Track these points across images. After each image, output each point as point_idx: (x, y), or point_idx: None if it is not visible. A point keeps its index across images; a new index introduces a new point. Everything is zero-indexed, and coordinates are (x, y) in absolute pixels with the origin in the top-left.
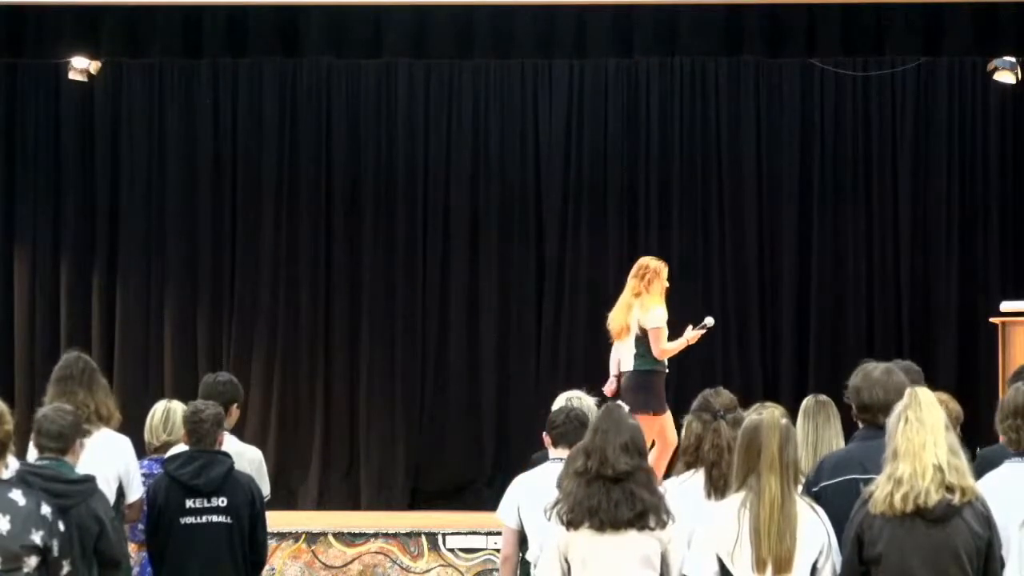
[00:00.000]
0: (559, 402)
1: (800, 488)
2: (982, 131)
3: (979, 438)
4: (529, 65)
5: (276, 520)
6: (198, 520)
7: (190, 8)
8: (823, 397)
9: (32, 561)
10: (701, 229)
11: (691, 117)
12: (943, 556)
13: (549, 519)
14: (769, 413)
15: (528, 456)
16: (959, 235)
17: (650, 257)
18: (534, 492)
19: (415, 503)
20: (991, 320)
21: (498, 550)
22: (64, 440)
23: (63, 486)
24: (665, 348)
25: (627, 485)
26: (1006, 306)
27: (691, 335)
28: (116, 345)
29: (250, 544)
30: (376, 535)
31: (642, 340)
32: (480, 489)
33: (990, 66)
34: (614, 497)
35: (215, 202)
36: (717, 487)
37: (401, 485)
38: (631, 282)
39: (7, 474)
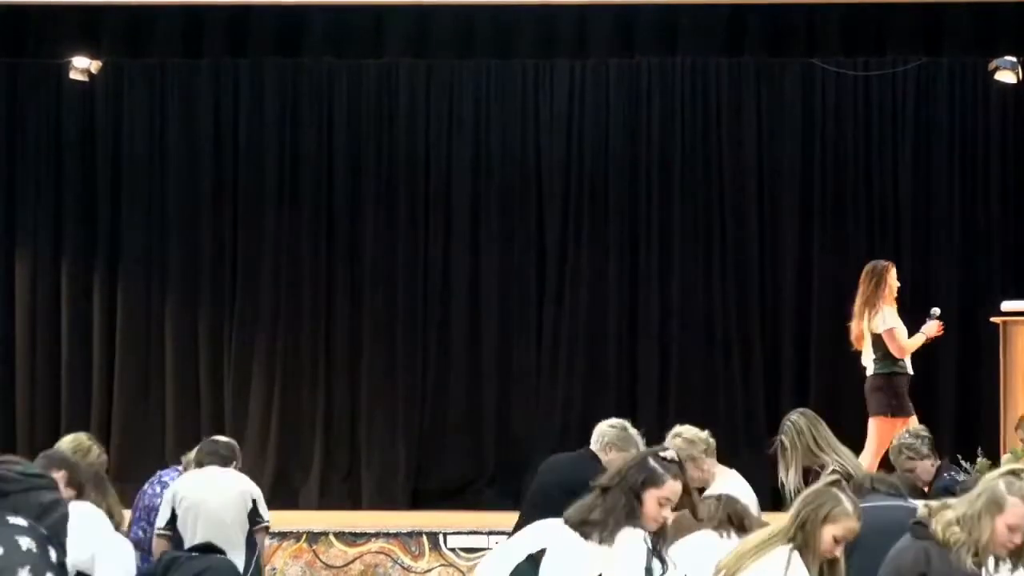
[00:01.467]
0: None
1: None
2: (983, 131)
3: (980, 436)
4: (530, 65)
5: (278, 520)
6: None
7: (191, 8)
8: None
9: None
10: (703, 227)
11: (692, 117)
12: None
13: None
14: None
15: (529, 457)
16: (960, 235)
17: (876, 260)
18: None
19: (416, 503)
20: (992, 320)
21: None
22: None
23: None
24: (904, 346)
25: None
26: (1007, 306)
27: (928, 328)
28: (117, 348)
29: None
30: (377, 535)
31: (879, 344)
32: (481, 489)
33: (991, 66)
34: None
35: (216, 203)
36: None
37: (402, 485)
38: (860, 287)
39: None
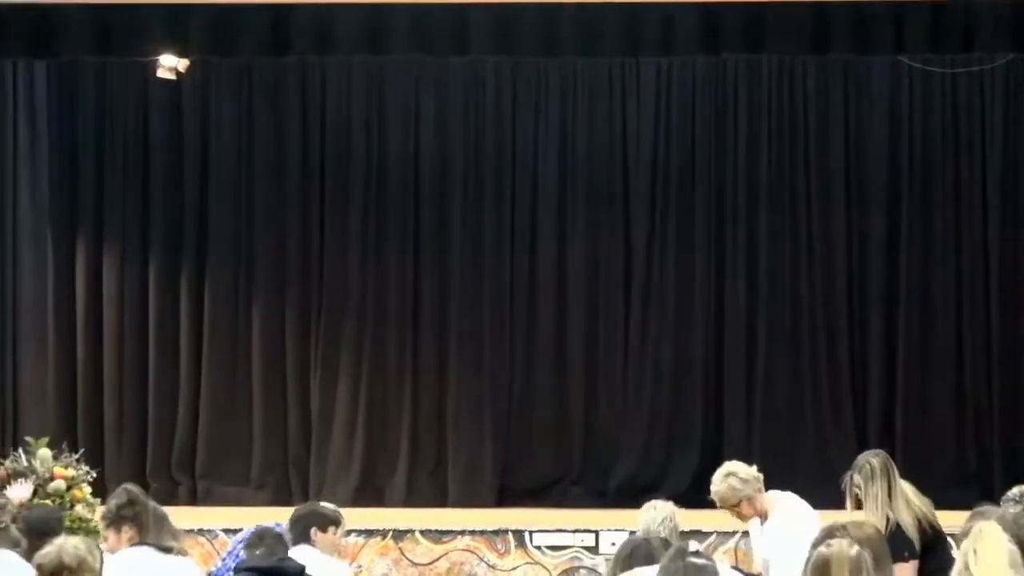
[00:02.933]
0: (645, 515)
1: None
2: None
3: None
4: (616, 63)
5: (364, 517)
6: None
7: (277, 7)
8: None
9: None
10: (789, 226)
11: (779, 115)
12: None
13: None
14: (838, 545)
15: (614, 454)
16: None
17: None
18: None
19: (502, 500)
20: None
21: (586, 547)
22: None
23: None
24: None
25: None
26: None
27: None
28: (204, 342)
29: None
30: (463, 532)
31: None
32: (567, 487)
33: None
34: None
35: (303, 199)
36: None
37: (488, 482)
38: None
39: None
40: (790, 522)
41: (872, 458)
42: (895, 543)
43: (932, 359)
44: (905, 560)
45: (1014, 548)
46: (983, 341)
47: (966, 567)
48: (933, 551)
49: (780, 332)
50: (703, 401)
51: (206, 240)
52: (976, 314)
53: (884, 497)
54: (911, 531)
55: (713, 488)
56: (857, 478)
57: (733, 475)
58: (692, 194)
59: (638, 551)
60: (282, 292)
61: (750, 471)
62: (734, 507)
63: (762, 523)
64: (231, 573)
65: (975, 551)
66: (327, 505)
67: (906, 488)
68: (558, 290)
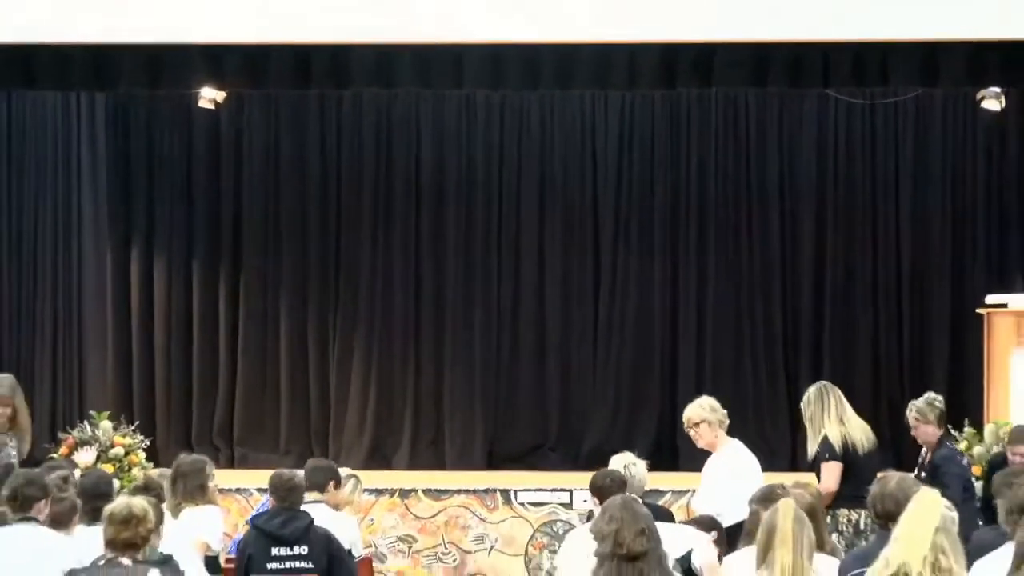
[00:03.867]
0: (615, 463)
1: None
2: (971, 152)
3: (968, 411)
4: (588, 96)
5: (375, 479)
6: (282, 566)
7: (301, 47)
8: (823, 384)
9: None
10: (732, 234)
11: (725, 140)
12: None
13: None
14: (785, 502)
15: (585, 426)
16: (951, 241)
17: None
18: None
19: (491, 464)
20: (978, 311)
21: (562, 504)
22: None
23: None
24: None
25: (639, 564)
26: (990, 299)
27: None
28: (239, 332)
29: None
30: (458, 491)
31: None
32: (546, 453)
33: (978, 95)
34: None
35: (322, 211)
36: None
37: (479, 449)
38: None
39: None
40: (732, 460)
41: (811, 388)
42: (821, 449)
43: (855, 344)
44: (827, 460)
45: (951, 515)
46: (896, 328)
47: (904, 525)
48: (849, 472)
49: (726, 323)
50: (659, 382)
51: (240, 246)
52: (889, 307)
53: (818, 417)
54: (836, 442)
55: (687, 408)
56: (801, 407)
57: (704, 402)
58: (651, 207)
59: (614, 481)
60: (304, 291)
61: (718, 407)
62: (695, 425)
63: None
64: (250, 523)
65: (910, 512)
66: (340, 468)
67: (848, 414)
68: (538, 289)
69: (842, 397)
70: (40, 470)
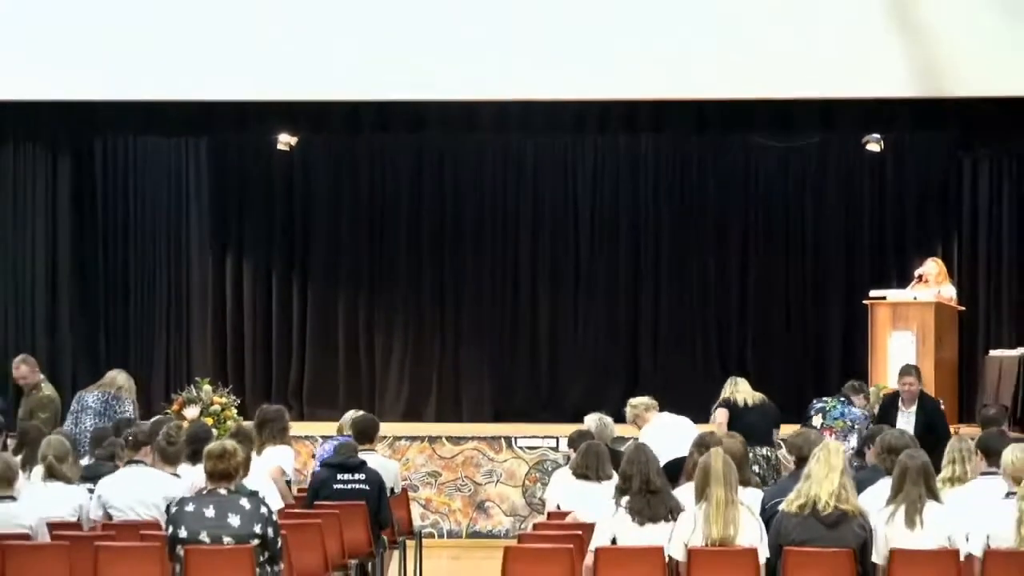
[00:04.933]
0: (589, 421)
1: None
2: (859, 183)
3: (857, 379)
4: (568, 141)
5: (409, 429)
6: (346, 487)
7: (353, 103)
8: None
9: (254, 542)
10: (680, 251)
11: (674, 177)
12: (835, 544)
13: (615, 513)
14: (716, 449)
15: (568, 388)
16: (845, 252)
17: None
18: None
19: (497, 418)
20: (864, 303)
21: (550, 448)
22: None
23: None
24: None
25: (660, 496)
26: (873, 294)
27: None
28: (307, 320)
29: (377, 510)
30: (472, 438)
31: None
32: (539, 410)
33: (863, 140)
34: (653, 502)
35: (369, 229)
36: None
37: (488, 406)
38: None
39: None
40: (647, 434)
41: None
42: (717, 403)
43: (772, 332)
44: (717, 408)
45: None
46: (802, 320)
47: (815, 467)
48: (733, 417)
49: (674, 318)
50: (623, 359)
51: (308, 254)
52: (798, 304)
53: (724, 391)
54: (724, 398)
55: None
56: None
57: (629, 405)
58: (617, 230)
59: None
60: (356, 289)
61: (640, 401)
62: (633, 422)
63: None
64: (320, 465)
65: (818, 457)
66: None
67: (740, 386)
68: (532, 289)
69: (739, 380)
70: (152, 422)
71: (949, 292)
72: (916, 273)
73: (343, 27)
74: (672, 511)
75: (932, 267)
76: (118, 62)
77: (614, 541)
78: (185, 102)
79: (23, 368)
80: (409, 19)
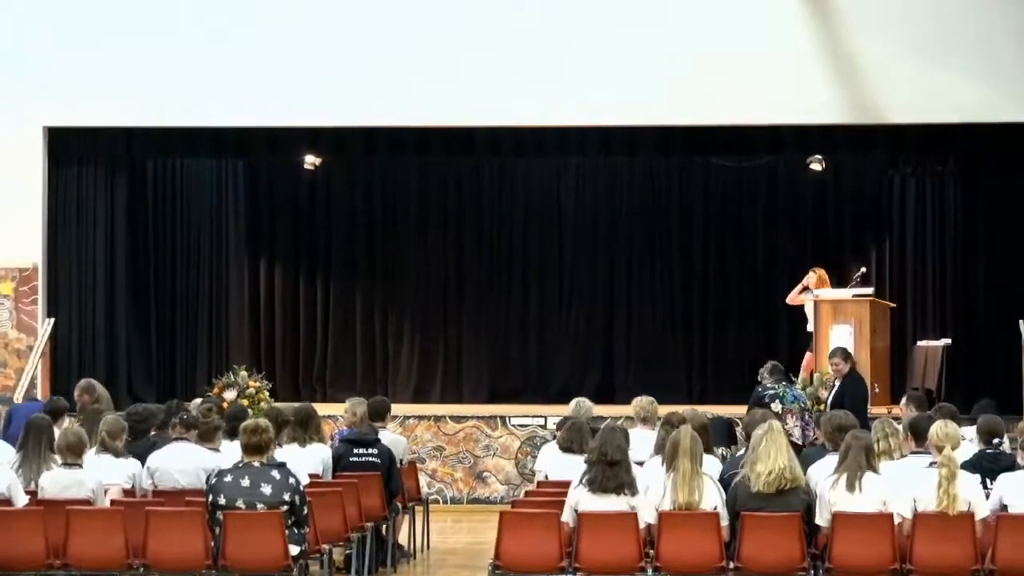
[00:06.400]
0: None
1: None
2: (803, 197)
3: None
4: (555, 164)
5: (416, 409)
6: (360, 460)
7: (367, 128)
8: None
9: (284, 508)
10: (648, 259)
11: (644, 194)
12: (784, 509)
13: (576, 487)
14: (685, 427)
15: (554, 374)
16: (791, 257)
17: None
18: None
19: (492, 399)
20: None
21: (539, 425)
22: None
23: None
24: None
25: (616, 468)
26: (816, 292)
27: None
28: (330, 315)
29: (388, 479)
30: (472, 417)
31: None
32: (529, 392)
33: (808, 160)
34: (608, 474)
35: (383, 236)
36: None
37: (485, 389)
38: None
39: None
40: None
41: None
42: None
43: (727, 329)
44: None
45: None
46: (755, 316)
47: (763, 446)
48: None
49: (644, 313)
50: (601, 348)
51: (330, 259)
52: (750, 302)
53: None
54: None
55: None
56: None
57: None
58: (595, 240)
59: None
60: (372, 288)
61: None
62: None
63: None
64: (340, 440)
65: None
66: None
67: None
68: (523, 288)
69: None
70: (197, 404)
71: (828, 295)
72: (802, 283)
73: (361, 63)
74: (623, 486)
75: (812, 277)
76: (167, 94)
77: (576, 509)
78: (225, 128)
79: (85, 397)
80: (417, 58)
